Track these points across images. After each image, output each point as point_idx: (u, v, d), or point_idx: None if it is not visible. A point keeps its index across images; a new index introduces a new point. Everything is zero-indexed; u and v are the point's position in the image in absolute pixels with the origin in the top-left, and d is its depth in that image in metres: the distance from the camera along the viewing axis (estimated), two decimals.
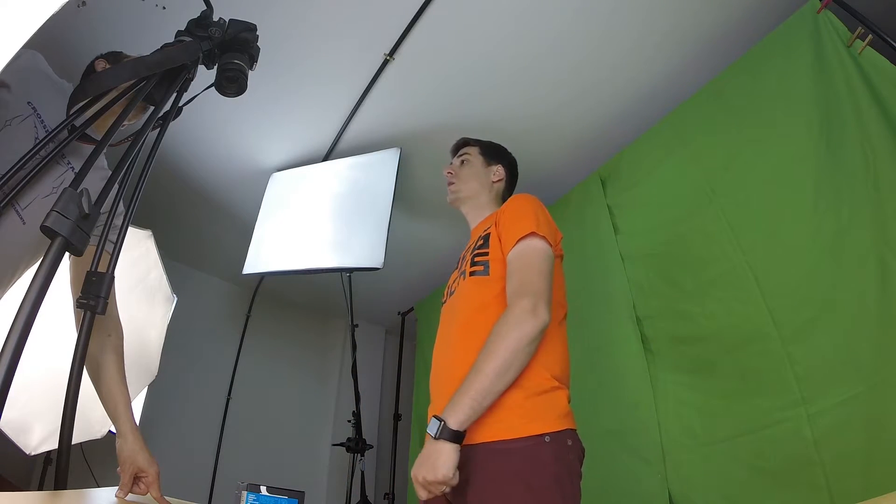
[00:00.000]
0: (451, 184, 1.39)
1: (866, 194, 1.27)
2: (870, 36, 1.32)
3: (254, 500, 0.98)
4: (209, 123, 2.04)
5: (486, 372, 0.94)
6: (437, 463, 0.90)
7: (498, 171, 1.42)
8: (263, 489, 1.02)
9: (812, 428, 1.26)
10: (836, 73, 1.38)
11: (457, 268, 1.30)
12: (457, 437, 0.91)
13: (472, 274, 1.17)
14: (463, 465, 0.94)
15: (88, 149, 0.81)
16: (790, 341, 1.36)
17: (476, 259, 1.18)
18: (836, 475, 1.19)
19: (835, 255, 1.31)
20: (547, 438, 0.96)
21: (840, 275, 1.29)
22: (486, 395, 0.94)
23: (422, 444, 3.02)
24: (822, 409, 1.25)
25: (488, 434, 0.96)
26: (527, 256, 1.08)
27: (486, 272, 1.15)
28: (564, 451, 0.98)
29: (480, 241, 1.21)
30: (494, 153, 1.45)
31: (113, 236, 0.80)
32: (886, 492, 1.04)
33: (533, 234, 1.09)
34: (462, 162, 1.41)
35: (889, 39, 1.31)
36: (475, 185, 1.37)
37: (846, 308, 1.26)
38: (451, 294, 1.24)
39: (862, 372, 1.19)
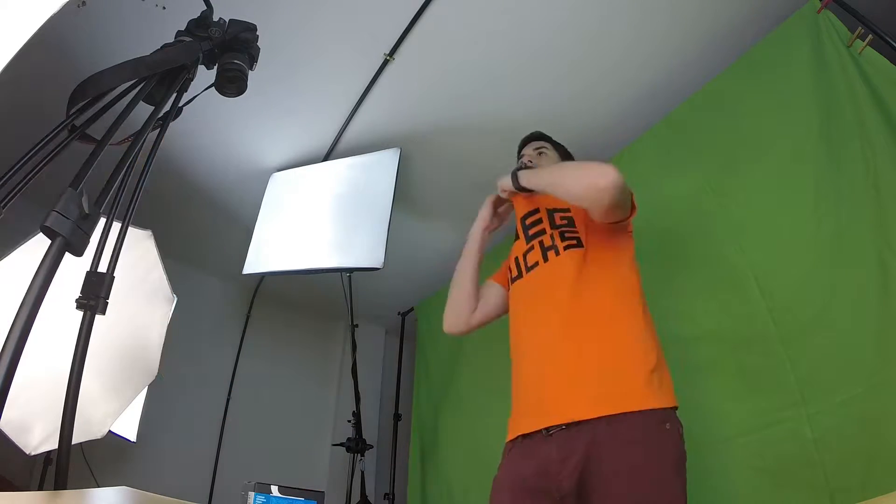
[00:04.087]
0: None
1: (866, 194, 1.27)
2: (870, 36, 1.32)
3: (263, 501, 0.89)
4: (209, 124, 2.04)
5: None
6: None
7: None
8: (275, 489, 0.94)
9: (812, 428, 1.26)
10: (836, 73, 1.38)
11: (521, 238, 1.30)
12: None
13: (566, 248, 1.19)
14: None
15: None
16: (790, 341, 1.36)
17: (567, 235, 1.20)
18: (836, 475, 1.19)
19: (835, 255, 1.31)
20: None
21: (840, 275, 1.29)
22: None
23: (422, 445, 3.00)
24: (822, 409, 1.25)
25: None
26: None
27: (580, 245, 1.19)
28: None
29: (564, 221, 1.23)
30: (565, 153, 1.49)
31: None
32: (886, 492, 1.04)
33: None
34: (539, 153, 1.44)
35: (889, 39, 1.31)
36: None
37: (846, 308, 1.26)
38: (532, 267, 1.23)
39: (862, 372, 1.19)
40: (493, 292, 1.40)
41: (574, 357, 1.07)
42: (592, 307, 1.12)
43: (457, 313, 1.40)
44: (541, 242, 1.24)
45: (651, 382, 1.03)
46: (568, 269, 1.16)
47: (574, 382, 1.05)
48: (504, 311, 1.38)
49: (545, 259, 1.21)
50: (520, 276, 1.26)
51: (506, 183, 1.28)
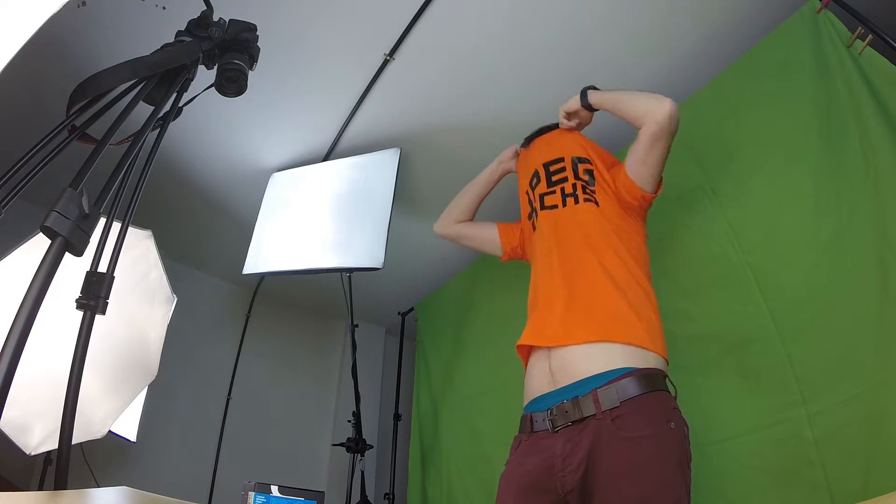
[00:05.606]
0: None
1: (866, 194, 1.27)
2: (870, 36, 1.32)
3: (263, 501, 0.91)
4: (209, 124, 2.04)
5: None
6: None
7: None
8: (275, 489, 0.95)
9: (812, 428, 1.26)
10: (836, 73, 1.38)
11: (542, 182, 1.37)
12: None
13: (586, 201, 1.28)
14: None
15: None
16: (790, 341, 1.36)
17: (588, 190, 1.30)
18: (836, 475, 1.19)
19: (835, 255, 1.30)
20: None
21: (840, 275, 1.28)
22: None
23: (422, 445, 3.01)
24: (822, 409, 1.25)
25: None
26: None
27: (596, 205, 1.27)
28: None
29: (586, 177, 1.32)
30: None
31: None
32: (886, 492, 1.04)
33: None
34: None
35: (889, 39, 1.31)
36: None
37: (846, 308, 1.26)
38: (550, 208, 1.32)
39: (862, 372, 1.19)
40: (486, 226, 1.61)
41: (577, 294, 1.16)
42: (602, 258, 1.19)
43: (446, 216, 1.67)
44: (562, 189, 1.32)
45: (645, 328, 1.09)
46: (587, 217, 1.26)
47: (577, 314, 1.13)
48: (478, 247, 1.63)
49: (564, 204, 1.30)
50: (534, 213, 1.37)
51: (572, 103, 1.40)
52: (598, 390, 1.02)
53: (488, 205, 1.69)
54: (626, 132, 1.99)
